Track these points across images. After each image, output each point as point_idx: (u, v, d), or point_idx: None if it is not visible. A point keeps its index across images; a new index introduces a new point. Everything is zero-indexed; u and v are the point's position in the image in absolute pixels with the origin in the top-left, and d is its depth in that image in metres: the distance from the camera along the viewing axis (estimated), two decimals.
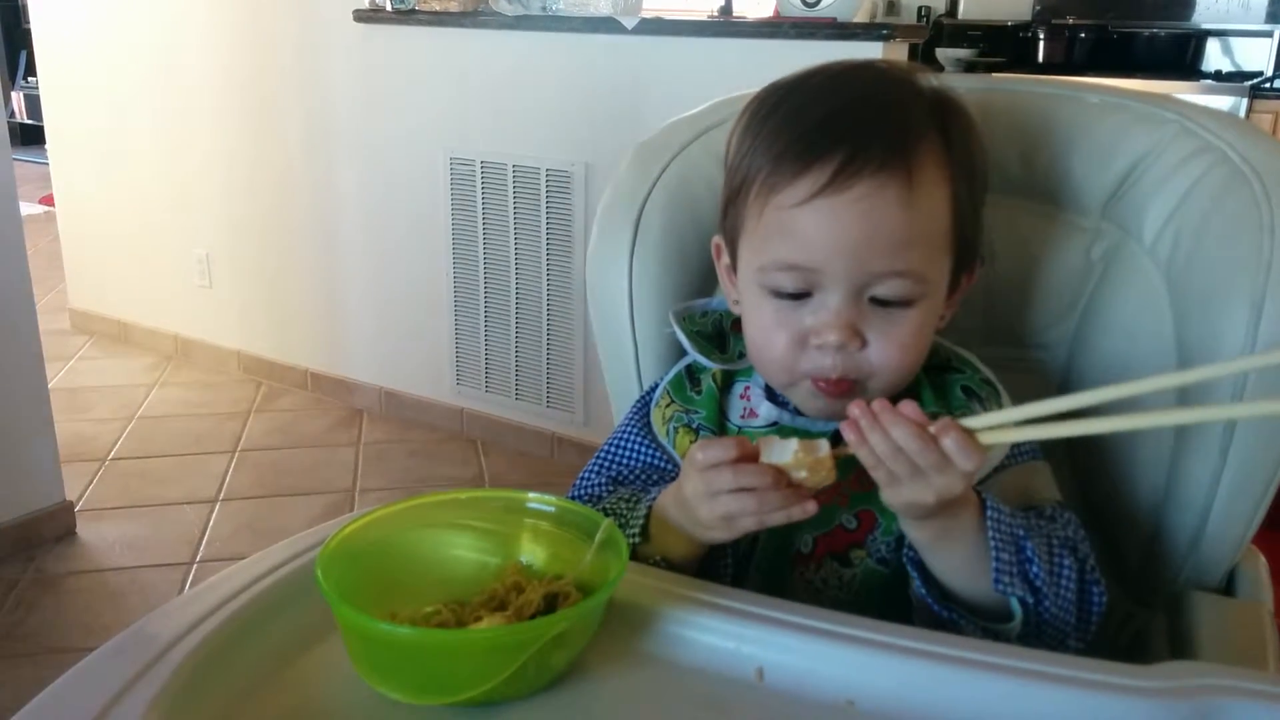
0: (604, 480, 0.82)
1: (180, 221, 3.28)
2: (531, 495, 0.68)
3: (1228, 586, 0.79)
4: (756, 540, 0.76)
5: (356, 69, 2.80)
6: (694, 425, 0.79)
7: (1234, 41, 3.70)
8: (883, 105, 0.71)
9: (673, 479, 0.80)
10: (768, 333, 0.73)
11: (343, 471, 2.67)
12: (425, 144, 2.72)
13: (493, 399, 2.81)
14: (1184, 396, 0.75)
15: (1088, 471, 0.84)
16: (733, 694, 0.59)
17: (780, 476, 0.64)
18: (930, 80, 0.73)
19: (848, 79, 0.73)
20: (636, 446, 0.82)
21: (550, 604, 0.63)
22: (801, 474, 0.64)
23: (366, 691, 0.58)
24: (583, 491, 0.82)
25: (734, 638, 0.61)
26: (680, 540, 0.70)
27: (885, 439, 0.62)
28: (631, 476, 0.82)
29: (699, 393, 0.81)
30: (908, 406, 0.62)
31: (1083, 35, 3.80)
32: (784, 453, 0.64)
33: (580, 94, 2.48)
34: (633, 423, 0.84)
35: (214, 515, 2.42)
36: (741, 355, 0.80)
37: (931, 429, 0.62)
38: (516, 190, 2.60)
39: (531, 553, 0.67)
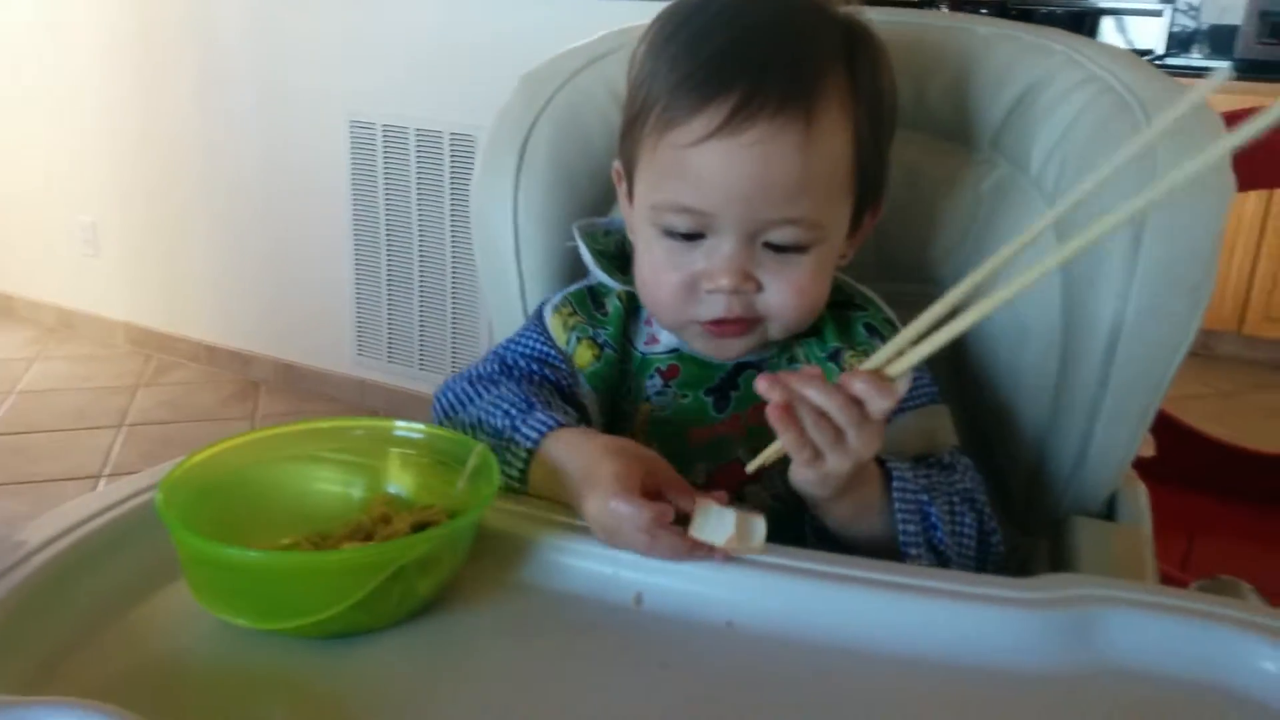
0: (495, 369, 0.76)
1: (64, 187, 3.12)
2: (399, 423, 0.64)
3: (1109, 513, 0.79)
4: None
5: (252, 27, 2.69)
6: (599, 340, 0.76)
7: (1128, 20, 3.80)
8: (787, 34, 0.67)
9: (564, 374, 0.75)
10: (658, 272, 0.70)
11: None
12: (324, 107, 2.63)
13: (396, 369, 2.74)
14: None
15: (974, 405, 0.84)
16: (609, 619, 0.57)
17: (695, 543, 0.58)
18: (843, 7, 0.70)
19: (756, 2, 0.69)
20: (529, 340, 0.78)
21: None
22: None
23: (211, 626, 0.54)
24: (475, 371, 0.76)
25: (611, 563, 0.59)
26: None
27: (808, 409, 0.58)
28: (521, 363, 0.77)
29: (604, 313, 0.78)
30: (809, 369, 0.60)
31: (984, 10, 3.87)
32: (718, 533, 0.56)
33: (486, 56, 2.41)
34: (527, 328, 0.80)
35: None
36: None
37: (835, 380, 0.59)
38: (419, 155, 2.53)
39: (400, 483, 0.64)
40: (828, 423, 0.58)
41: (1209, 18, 3.65)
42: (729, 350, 0.73)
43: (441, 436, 0.64)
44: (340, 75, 2.59)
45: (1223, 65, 0.47)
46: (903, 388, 0.59)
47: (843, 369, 0.73)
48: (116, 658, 0.52)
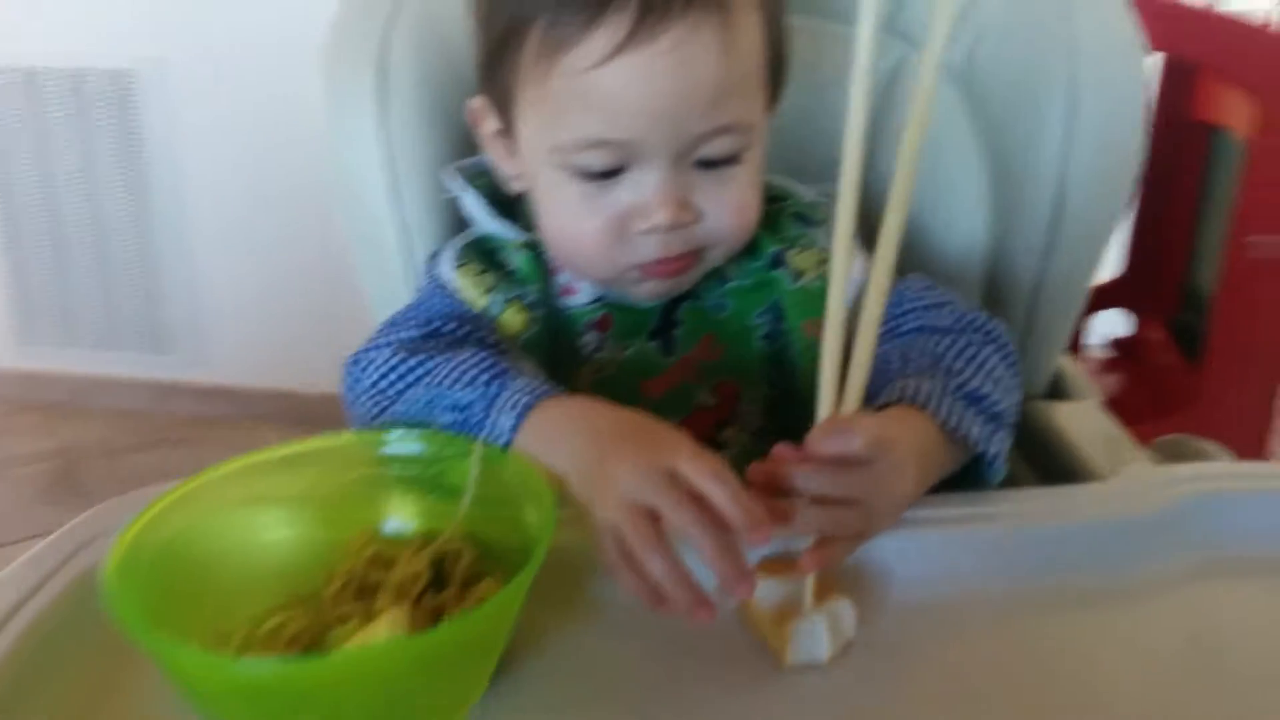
0: (417, 335, 0.61)
1: None
2: (389, 435, 0.49)
3: (1052, 393, 0.79)
4: None
5: None
6: (527, 302, 0.64)
7: None
8: None
9: (496, 340, 0.62)
10: (576, 221, 0.60)
11: None
12: None
13: (70, 354, 2.32)
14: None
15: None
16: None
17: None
18: None
19: None
20: (438, 303, 0.64)
21: (439, 572, 0.47)
22: None
23: None
24: (395, 337, 0.61)
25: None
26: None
27: (817, 512, 0.47)
28: (448, 326, 0.62)
29: (509, 270, 0.66)
30: (780, 450, 0.48)
31: None
32: (815, 649, 0.46)
33: None
34: (427, 293, 0.66)
35: None
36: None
37: (804, 452, 0.48)
38: (73, 101, 2.11)
39: (395, 512, 0.49)
40: (838, 507, 0.48)
41: None
42: (673, 288, 0.65)
43: (438, 441, 0.50)
44: None
45: None
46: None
47: (791, 270, 0.66)
48: None
